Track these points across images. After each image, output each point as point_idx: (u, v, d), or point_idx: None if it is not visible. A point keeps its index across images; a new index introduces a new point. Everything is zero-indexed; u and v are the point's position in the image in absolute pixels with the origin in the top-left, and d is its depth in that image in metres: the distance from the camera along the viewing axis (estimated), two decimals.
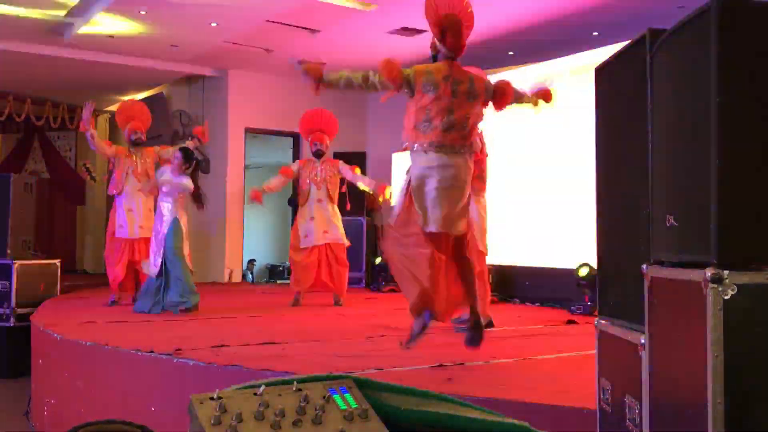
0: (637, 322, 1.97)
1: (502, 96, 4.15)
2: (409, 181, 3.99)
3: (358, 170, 7.41)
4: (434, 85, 3.89)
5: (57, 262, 8.00)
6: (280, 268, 13.17)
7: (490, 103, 4.17)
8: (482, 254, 5.39)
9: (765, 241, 1.51)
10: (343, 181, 7.44)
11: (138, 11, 8.25)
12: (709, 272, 1.48)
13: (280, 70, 10.74)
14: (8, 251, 7.44)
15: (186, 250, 6.51)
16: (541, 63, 8.32)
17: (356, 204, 8.37)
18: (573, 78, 7.75)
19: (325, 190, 7.27)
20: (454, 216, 3.94)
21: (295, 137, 11.20)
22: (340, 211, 7.38)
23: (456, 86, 3.94)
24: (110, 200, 7.98)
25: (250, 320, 6.18)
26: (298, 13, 8.19)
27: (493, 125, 8.45)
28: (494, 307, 6.53)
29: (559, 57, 8.00)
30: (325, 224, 7.22)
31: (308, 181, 7.29)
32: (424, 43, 4.90)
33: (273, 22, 8.53)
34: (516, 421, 1.35)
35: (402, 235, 3.98)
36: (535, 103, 4.36)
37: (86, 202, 14.06)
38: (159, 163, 7.20)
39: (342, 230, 7.29)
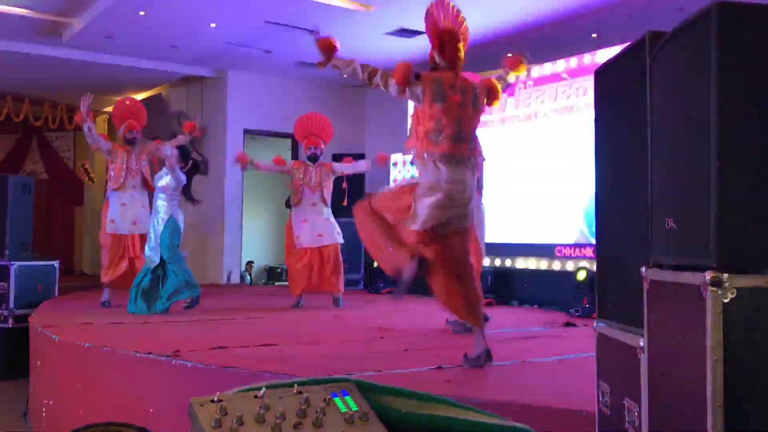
0: (636, 325, 1.97)
1: (493, 96, 4.22)
2: (416, 186, 4.00)
3: (349, 160, 7.47)
4: (442, 95, 3.95)
5: (55, 263, 8.00)
6: (279, 270, 13.15)
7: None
8: (479, 254, 5.42)
9: (765, 244, 1.51)
10: (340, 179, 7.44)
11: (137, 12, 8.25)
12: (708, 275, 1.48)
13: (279, 71, 10.75)
14: (6, 252, 7.44)
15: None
16: (540, 65, 8.33)
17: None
18: (571, 80, 7.77)
19: (320, 194, 7.28)
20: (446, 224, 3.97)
21: (294, 139, 11.19)
22: (341, 207, 7.36)
23: (463, 95, 4.00)
24: None
25: (249, 322, 6.17)
26: (297, 14, 8.20)
27: (493, 125, 8.44)
28: (492, 309, 6.54)
29: (558, 59, 8.01)
30: (319, 227, 7.22)
31: (302, 184, 7.29)
32: (422, 44, 4.91)
33: (272, 23, 8.54)
34: (517, 424, 1.35)
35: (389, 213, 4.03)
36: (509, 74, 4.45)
37: (84, 203, 14.04)
38: (152, 161, 7.25)
39: (337, 227, 7.29)
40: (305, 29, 8.69)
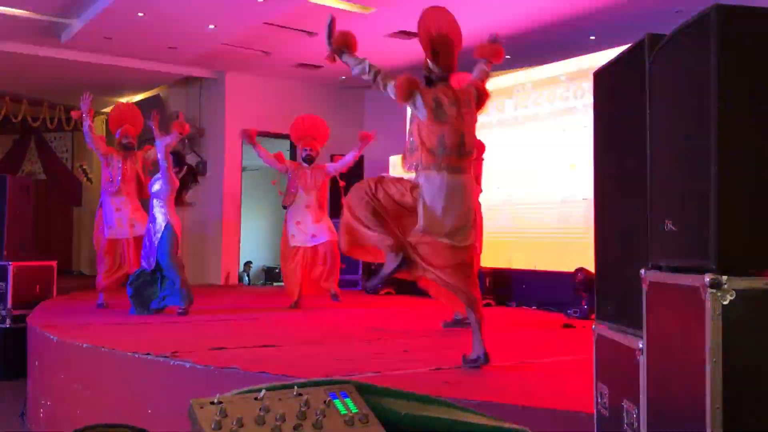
0: (635, 327, 1.97)
1: (482, 101, 4.26)
2: (421, 193, 4.02)
3: (339, 158, 7.54)
4: (444, 114, 3.99)
5: (53, 263, 7.99)
6: (277, 270, 13.16)
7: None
8: (477, 252, 5.44)
9: (764, 246, 1.52)
10: (337, 178, 7.45)
11: (135, 13, 8.25)
12: (707, 277, 1.48)
13: (277, 72, 10.75)
14: (4, 252, 7.43)
15: (179, 252, 6.53)
16: (538, 67, 8.33)
17: None
18: (570, 82, 7.78)
19: (314, 196, 7.29)
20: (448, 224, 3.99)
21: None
22: (338, 206, 7.35)
23: (461, 108, 4.05)
24: None
25: (248, 322, 6.17)
26: (296, 16, 8.20)
27: (492, 126, 8.44)
28: (491, 310, 6.54)
29: (556, 61, 8.01)
30: (313, 228, 7.23)
31: (297, 185, 7.29)
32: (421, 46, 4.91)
33: (271, 24, 8.54)
34: (516, 426, 1.35)
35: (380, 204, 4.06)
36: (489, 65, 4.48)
37: (82, 204, 14.03)
38: (146, 166, 7.26)
39: (330, 224, 7.28)
40: (304, 31, 8.71)
